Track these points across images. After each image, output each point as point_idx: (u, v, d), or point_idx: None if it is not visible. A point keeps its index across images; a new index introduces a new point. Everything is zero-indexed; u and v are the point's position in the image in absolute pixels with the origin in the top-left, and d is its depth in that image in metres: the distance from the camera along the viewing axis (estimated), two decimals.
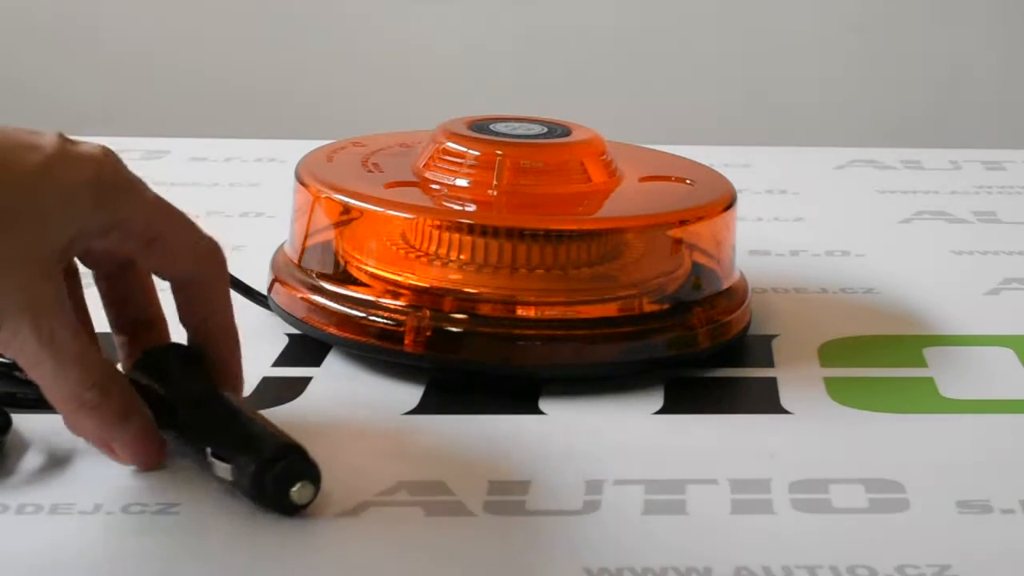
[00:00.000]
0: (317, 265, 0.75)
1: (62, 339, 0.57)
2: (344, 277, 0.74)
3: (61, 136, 0.60)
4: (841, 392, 0.71)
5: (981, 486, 0.62)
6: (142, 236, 0.61)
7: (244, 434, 0.59)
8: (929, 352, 0.76)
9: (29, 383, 0.59)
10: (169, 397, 0.62)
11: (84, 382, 0.58)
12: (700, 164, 0.83)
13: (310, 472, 0.57)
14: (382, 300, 0.72)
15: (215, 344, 0.64)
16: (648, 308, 0.73)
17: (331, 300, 0.73)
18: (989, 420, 0.69)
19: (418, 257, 0.73)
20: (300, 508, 0.57)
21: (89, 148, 0.60)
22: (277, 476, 0.56)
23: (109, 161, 0.60)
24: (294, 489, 0.57)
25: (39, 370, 0.58)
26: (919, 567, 0.55)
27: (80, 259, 0.63)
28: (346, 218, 0.75)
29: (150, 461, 0.61)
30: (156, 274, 0.65)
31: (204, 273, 0.63)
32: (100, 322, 0.65)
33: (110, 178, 0.60)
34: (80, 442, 0.61)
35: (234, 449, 0.58)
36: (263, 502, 0.57)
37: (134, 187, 0.61)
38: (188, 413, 0.61)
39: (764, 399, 0.71)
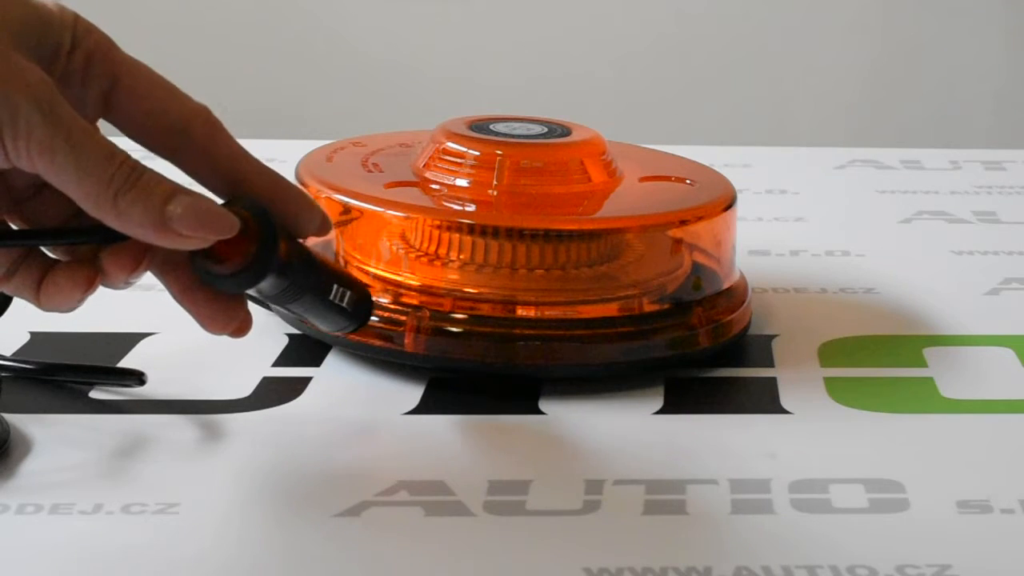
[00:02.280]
0: None
1: (66, 114, 0.53)
2: None
3: None
4: (841, 392, 0.71)
5: (981, 486, 0.61)
6: (107, 58, 0.56)
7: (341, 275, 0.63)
8: (929, 352, 0.76)
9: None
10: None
11: (111, 159, 0.53)
12: (700, 164, 0.83)
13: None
14: (382, 300, 0.72)
15: (266, 187, 0.58)
16: (648, 308, 0.73)
17: None
18: (989, 420, 0.69)
19: (418, 257, 0.73)
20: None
21: None
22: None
23: None
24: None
25: (56, 161, 0.52)
26: (919, 567, 0.55)
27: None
28: (346, 218, 0.75)
29: (223, 224, 0.55)
30: (138, 129, 0.57)
31: (199, 123, 0.58)
32: (78, 322, 0.64)
33: None
34: (80, 442, 0.61)
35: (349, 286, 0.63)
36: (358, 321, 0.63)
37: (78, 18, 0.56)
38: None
39: (764, 399, 0.71)
